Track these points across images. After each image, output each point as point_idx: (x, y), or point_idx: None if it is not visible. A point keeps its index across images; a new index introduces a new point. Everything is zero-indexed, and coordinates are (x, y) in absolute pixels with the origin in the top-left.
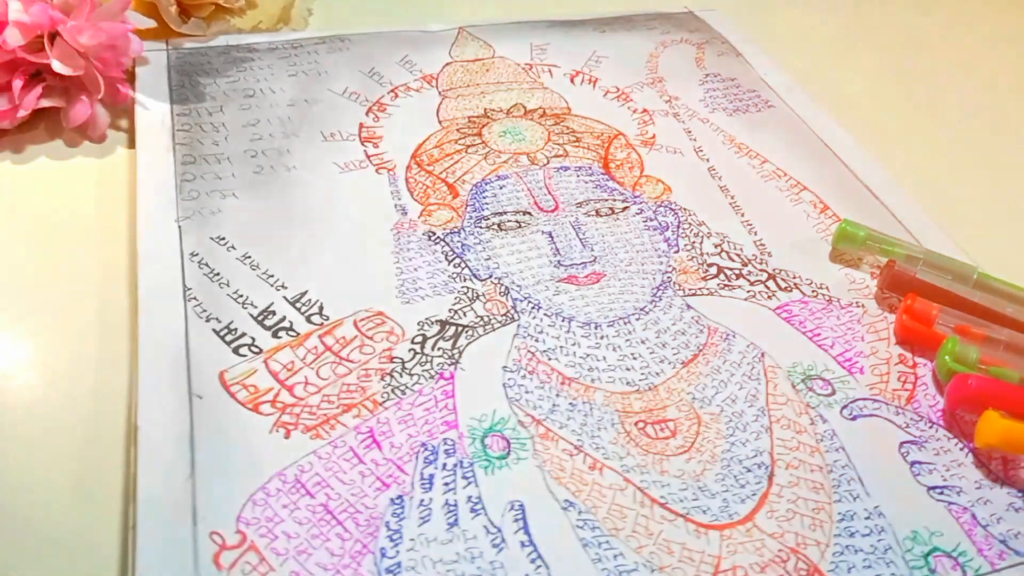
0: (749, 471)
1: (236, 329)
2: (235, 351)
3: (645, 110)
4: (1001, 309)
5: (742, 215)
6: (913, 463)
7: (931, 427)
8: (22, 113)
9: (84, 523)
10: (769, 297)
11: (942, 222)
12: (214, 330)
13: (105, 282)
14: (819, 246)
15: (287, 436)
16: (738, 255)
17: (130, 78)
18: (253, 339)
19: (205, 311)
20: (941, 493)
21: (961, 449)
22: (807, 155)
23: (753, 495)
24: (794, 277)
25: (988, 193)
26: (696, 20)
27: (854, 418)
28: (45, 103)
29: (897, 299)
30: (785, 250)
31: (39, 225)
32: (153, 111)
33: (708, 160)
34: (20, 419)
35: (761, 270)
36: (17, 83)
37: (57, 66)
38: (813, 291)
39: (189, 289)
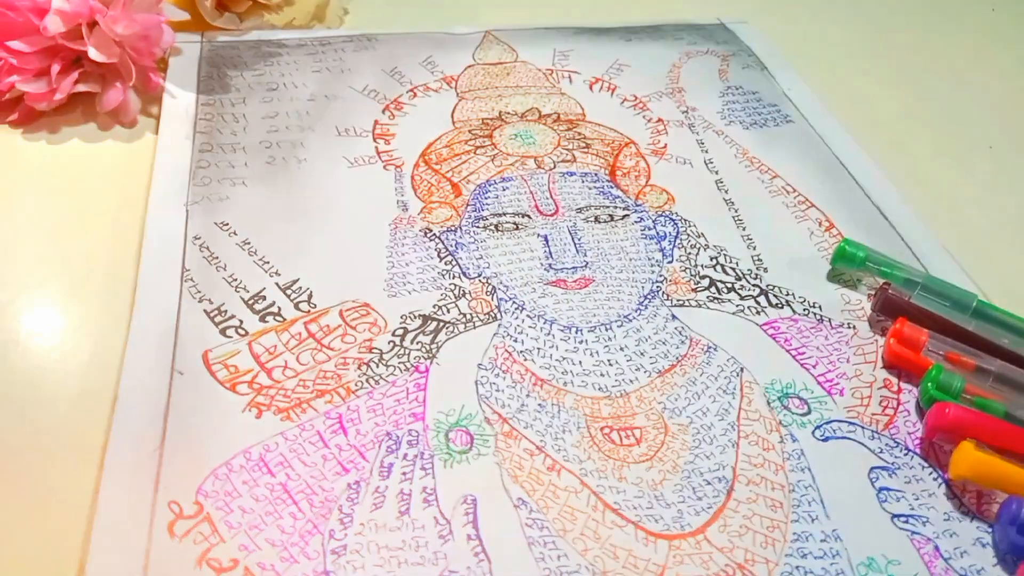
0: (709, 484)
1: (226, 311)
2: (222, 332)
3: (660, 119)
4: (997, 339)
5: (743, 229)
6: (881, 489)
7: (906, 454)
8: (58, 96)
9: (61, 482)
10: (758, 312)
11: (955, 248)
12: (205, 311)
13: (115, 259)
14: (818, 264)
15: (259, 416)
16: (733, 269)
17: (163, 67)
18: (241, 321)
19: (199, 292)
20: (906, 522)
21: (935, 479)
22: (820, 172)
23: (709, 508)
24: (787, 294)
25: (1006, 223)
26: (726, 32)
27: (825, 439)
28: (81, 88)
29: (890, 323)
30: (782, 266)
31: (65, 200)
32: (180, 99)
33: (717, 172)
34: (22, 373)
35: (754, 285)
36: (55, 68)
37: (93, 53)
38: (805, 309)
39: (187, 270)
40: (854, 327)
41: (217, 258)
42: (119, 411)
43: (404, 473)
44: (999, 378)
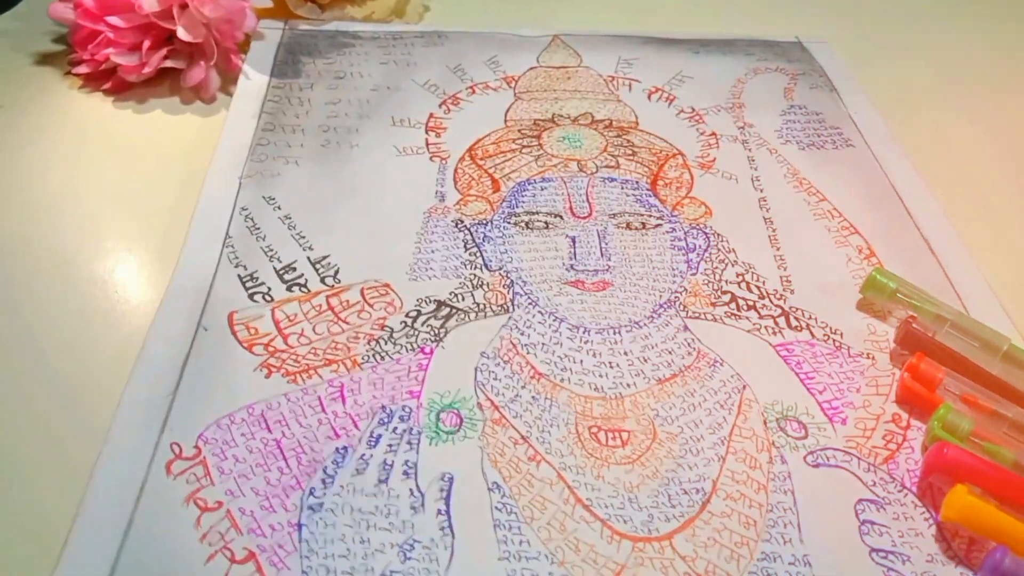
0: (686, 493)
1: (258, 278)
2: (250, 296)
3: (713, 133)
4: (1021, 385)
5: (777, 249)
6: (865, 522)
7: (901, 491)
8: (147, 70)
9: (82, 408)
10: (774, 333)
11: (1002, 290)
12: (239, 275)
13: (173, 220)
14: (849, 291)
15: (268, 376)
16: (758, 287)
17: (244, 50)
18: (269, 289)
19: (237, 258)
20: (885, 558)
21: (926, 519)
22: (871, 199)
23: (680, 516)
24: (809, 318)
25: None
26: (801, 51)
27: (817, 465)
28: (169, 64)
29: (911, 357)
30: (810, 290)
31: (142, 164)
32: (254, 81)
33: (762, 191)
34: (75, 308)
35: (776, 305)
36: (146, 43)
37: (181, 32)
38: (824, 335)
39: (230, 237)
40: (873, 358)
41: (259, 228)
42: (143, 355)
43: (390, 445)
44: (1015, 425)
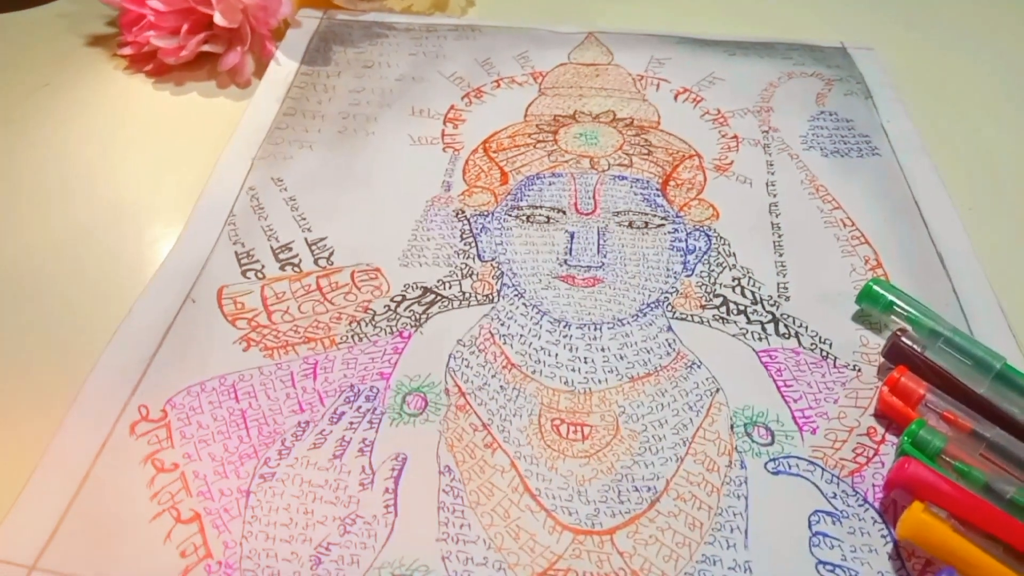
0: (636, 491)
1: (253, 255)
2: (243, 273)
3: (735, 136)
4: (1008, 407)
5: (779, 255)
6: (816, 533)
7: (861, 506)
8: (184, 53)
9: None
10: (760, 339)
11: (1017, 313)
12: (236, 252)
13: (189, 195)
14: (847, 302)
15: (246, 349)
16: (752, 292)
17: (279, 36)
18: (263, 266)
19: (236, 235)
20: (832, 571)
21: (883, 536)
22: (890, 211)
23: (627, 512)
24: (799, 325)
25: None
26: (843, 56)
27: (777, 473)
28: (207, 48)
29: None
30: (808, 298)
31: (173, 142)
32: (284, 67)
33: (775, 195)
34: (83, 267)
35: (768, 311)
36: (184, 27)
37: (218, 18)
38: (812, 344)
39: (233, 215)
40: (859, 370)
41: (262, 208)
42: (127, 320)
43: (351, 423)
44: (992, 446)
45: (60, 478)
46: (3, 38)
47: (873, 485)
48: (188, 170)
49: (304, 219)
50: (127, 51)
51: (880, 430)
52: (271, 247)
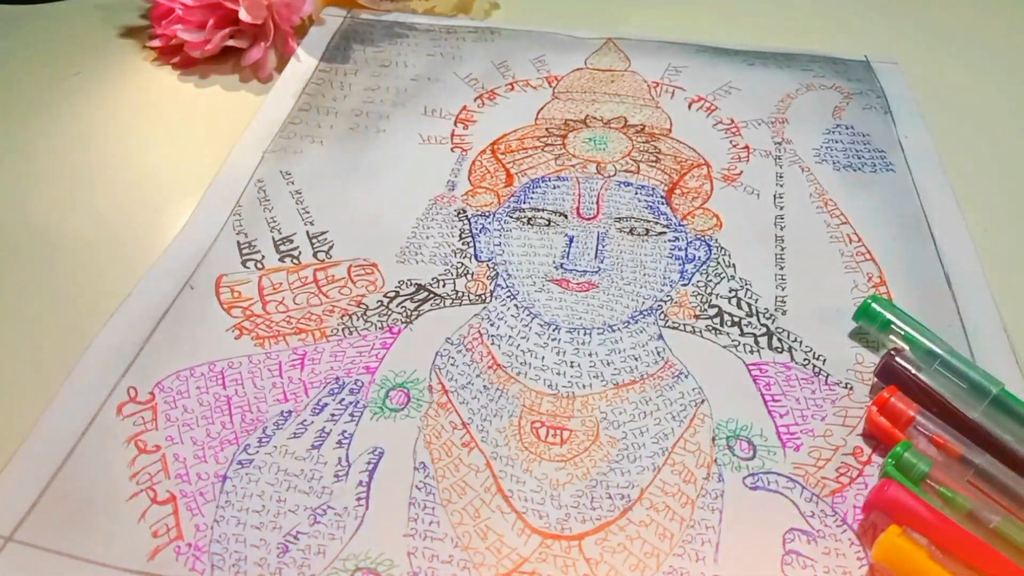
0: (609, 498)
1: (255, 246)
2: (243, 263)
3: (747, 146)
4: (1001, 435)
5: (780, 268)
6: (789, 551)
7: (840, 526)
8: (209, 47)
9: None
10: (751, 352)
11: (1021, 337)
12: (238, 242)
13: (199, 185)
14: (846, 318)
15: (238, 337)
16: (749, 304)
17: (302, 34)
18: (263, 257)
19: (241, 225)
20: None
21: (859, 560)
22: (898, 227)
23: (597, 519)
24: (794, 340)
25: None
26: (865, 70)
27: (755, 488)
28: (232, 43)
29: None
30: (805, 313)
31: (193, 132)
32: (303, 63)
33: (782, 208)
34: (94, 246)
35: (763, 324)
36: (210, 22)
37: (243, 13)
38: (805, 359)
39: (239, 206)
40: (851, 388)
41: (268, 200)
42: (127, 302)
43: (333, 415)
44: (980, 473)
45: (45, 453)
46: (42, 26)
47: (854, 506)
48: (204, 160)
49: (308, 212)
50: (156, 43)
51: (867, 450)
52: (273, 239)
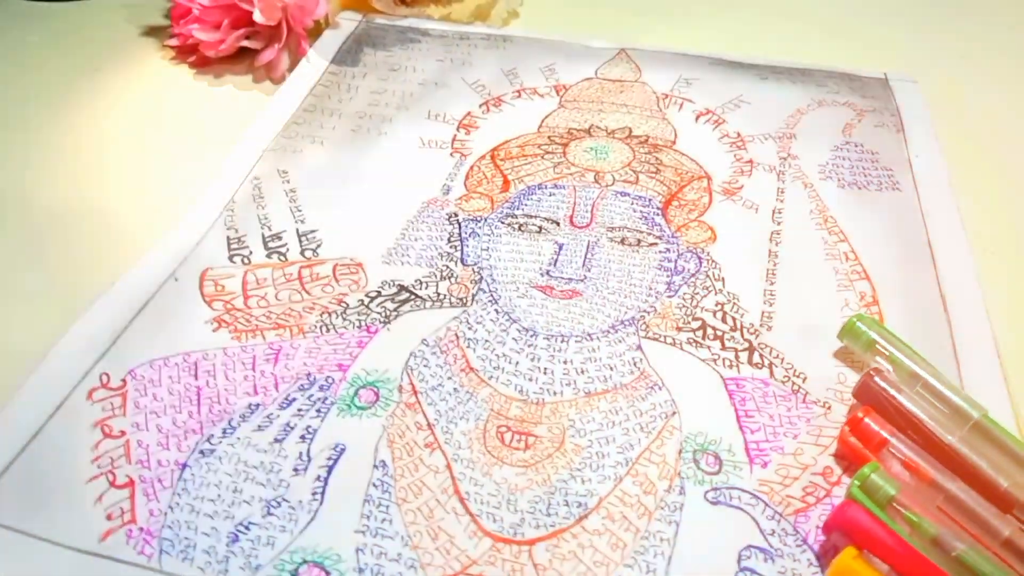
0: (566, 505)
1: (244, 242)
2: (230, 258)
3: (750, 161)
4: (976, 461)
5: (771, 283)
6: (744, 569)
7: (799, 547)
8: (223, 47)
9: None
10: (730, 366)
11: (1013, 364)
12: (228, 238)
13: (202, 180)
14: (831, 337)
15: (215, 330)
16: (734, 319)
17: (317, 36)
18: (251, 253)
19: (232, 221)
20: None
21: None
22: (899, 247)
23: (551, 526)
24: (775, 356)
25: None
26: (882, 87)
27: (716, 503)
28: (246, 44)
29: None
30: (791, 330)
31: (200, 131)
32: (314, 65)
33: (779, 224)
34: (93, 236)
35: (745, 339)
36: (225, 22)
37: (257, 15)
38: (785, 376)
39: (233, 202)
40: (829, 407)
41: (262, 197)
42: (109, 291)
43: (300, 410)
44: (950, 500)
45: (11, 433)
46: (67, 23)
47: (816, 527)
48: (210, 156)
49: (300, 211)
50: (174, 42)
51: (837, 471)
52: (263, 235)
